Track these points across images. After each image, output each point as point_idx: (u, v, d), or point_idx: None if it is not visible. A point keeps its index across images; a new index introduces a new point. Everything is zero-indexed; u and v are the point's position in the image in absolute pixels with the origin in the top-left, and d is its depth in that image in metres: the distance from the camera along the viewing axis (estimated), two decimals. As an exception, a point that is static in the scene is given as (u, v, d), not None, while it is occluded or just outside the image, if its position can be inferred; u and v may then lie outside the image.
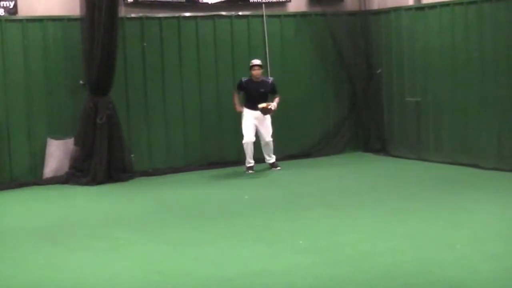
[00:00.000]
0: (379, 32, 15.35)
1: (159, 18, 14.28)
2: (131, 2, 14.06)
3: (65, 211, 11.44)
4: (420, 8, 14.43)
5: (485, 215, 9.90)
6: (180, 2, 14.42)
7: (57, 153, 13.51)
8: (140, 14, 14.17)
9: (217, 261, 8.27)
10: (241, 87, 13.81)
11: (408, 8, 14.68)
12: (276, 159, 14.24)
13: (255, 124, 13.75)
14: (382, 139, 15.42)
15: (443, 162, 13.68)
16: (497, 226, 9.27)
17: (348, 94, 15.75)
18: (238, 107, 13.85)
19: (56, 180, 13.35)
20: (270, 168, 14.06)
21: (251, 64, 13.75)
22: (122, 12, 13.73)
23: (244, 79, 13.76)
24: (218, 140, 14.71)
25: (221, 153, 14.69)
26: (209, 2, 14.60)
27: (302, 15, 15.40)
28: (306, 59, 15.40)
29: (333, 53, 15.56)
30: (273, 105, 13.59)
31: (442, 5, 13.91)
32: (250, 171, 13.79)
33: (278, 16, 15.20)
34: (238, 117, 14.27)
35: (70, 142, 13.54)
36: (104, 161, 13.24)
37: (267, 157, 14.03)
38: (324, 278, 7.52)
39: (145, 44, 14.16)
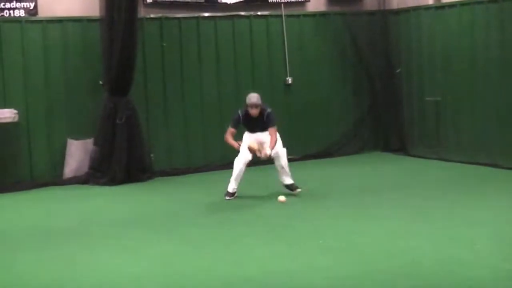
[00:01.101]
0: (399, 32, 15.31)
1: (178, 18, 14.31)
2: (151, 3, 14.11)
3: (85, 211, 11.47)
4: (440, 7, 14.37)
5: (505, 214, 9.84)
6: (199, 2, 14.45)
7: (77, 153, 13.57)
8: (160, 15, 14.21)
9: (237, 261, 8.27)
10: (237, 123, 11.68)
11: (428, 8, 14.63)
12: (296, 159, 14.17)
13: (256, 139, 11.66)
14: (401, 138, 15.37)
15: (463, 161, 13.63)
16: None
17: (367, 94, 15.71)
18: (236, 144, 11.69)
19: (76, 180, 13.41)
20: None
21: (248, 102, 11.53)
22: (142, 12, 13.77)
23: (241, 113, 11.62)
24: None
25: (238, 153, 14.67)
26: (228, 2, 14.62)
27: (321, 14, 15.39)
28: (325, 59, 15.38)
29: (352, 52, 15.54)
30: (266, 151, 11.27)
31: (462, 4, 13.85)
32: (228, 198, 11.60)
33: (297, 16, 15.19)
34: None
35: (89, 143, 13.59)
36: (123, 161, 13.28)
37: (283, 178, 11.80)
38: (342, 278, 7.51)
39: (164, 44, 14.20)
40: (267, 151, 11.20)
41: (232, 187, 11.61)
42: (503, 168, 12.86)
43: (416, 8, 14.86)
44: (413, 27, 14.92)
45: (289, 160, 14.67)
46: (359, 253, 8.34)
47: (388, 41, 15.49)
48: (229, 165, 14.25)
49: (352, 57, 15.56)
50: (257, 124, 11.60)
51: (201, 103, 14.51)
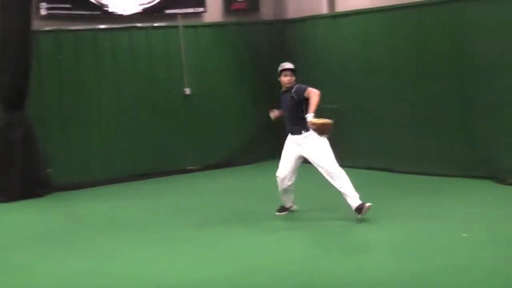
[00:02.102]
0: (295, 40, 15.50)
1: (74, 31, 14.13)
2: (45, 15, 13.88)
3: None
4: (334, 16, 14.63)
5: (401, 216, 10.07)
6: (95, 14, 14.29)
7: (-28, 170, 13.23)
8: (54, 27, 14.00)
9: (132, 276, 8.22)
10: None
11: (323, 17, 14.88)
12: (196, 170, 14.23)
13: (296, 152, 10.28)
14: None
15: (360, 167, 13.84)
16: (408, 225, 9.45)
17: (267, 103, 15.79)
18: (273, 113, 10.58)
19: (-28, 198, 13.08)
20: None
21: (280, 68, 10.37)
22: (36, 25, 13.53)
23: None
24: (137, 152, 14.61)
25: (140, 165, 14.59)
26: (124, 14, 14.51)
27: (219, 25, 15.46)
28: (224, 69, 15.44)
29: (250, 62, 15.64)
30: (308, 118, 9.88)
31: (355, 13, 14.13)
32: (278, 213, 10.56)
33: (194, 26, 15.21)
34: (158, 128, 14.31)
35: (-16, 159, 13.27)
36: (19, 177, 13.00)
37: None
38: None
39: (60, 57, 13.99)
40: (308, 117, 9.78)
41: (283, 202, 10.50)
42: (397, 172, 13.14)
43: (312, 17, 15.08)
44: (309, 36, 15.14)
45: (189, 171, 14.80)
46: (259, 262, 8.40)
47: (285, 50, 15.64)
48: (129, 178, 14.27)
49: (250, 67, 15.66)
50: (286, 103, 10.17)
51: (99, 116, 14.34)
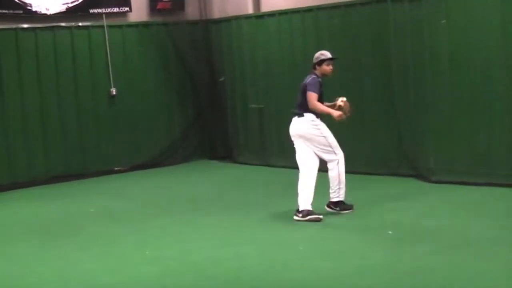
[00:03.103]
0: (221, 41, 15.54)
1: (-5, 30, 13.89)
2: (-35, 14, 13.60)
3: None
4: (260, 16, 14.72)
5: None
6: (17, 13, 14.04)
7: None
8: (-25, 26, 13.74)
9: (62, 277, 8.10)
10: (320, 86, 9.98)
11: (248, 16, 14.94)
12: (123, 170, 14.20)
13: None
14: (227, 146, 15.60)
15: (287, 166, 13.92)
16: (339, 226, 9.59)
17: (192, 103, 15.83)
18: (337, 112, 9.93)
19: None
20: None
21: (325, 57, 10.09)
22: (-45, 24, 13.29)
23: (316, 77, 10.07)
24: (62, 153, 14.42)
25: (66, 166, 14.40)
26: (48, 13, 14.30)
27: (144, 25, 15.38)
28: (149, 69, 15.37)
29: (176, 62, 15.61)
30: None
31: (280, 13, 14.24)
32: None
33: (120, 26, 15.09)
34: (82, 129, 14.20)
35: None
36: None
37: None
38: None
39: (-19, 56, 13.74)
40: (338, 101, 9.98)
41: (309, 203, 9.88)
42: (323, 171, 13.25)
43: (237, 18, 15.14)
44: (235, 36, 15.20)
45: (116, 171, 14.71)
46: (187, 261, 8.38)
47: (211, 50, 15.70)
48: (53, 180, 14.07)
49: (176, 67, 15.62)
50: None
51: (22, 117, 14.10)
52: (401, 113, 12.45)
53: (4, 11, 13.92)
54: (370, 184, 12.12)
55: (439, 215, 9.80)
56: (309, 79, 10.04)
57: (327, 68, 10.05)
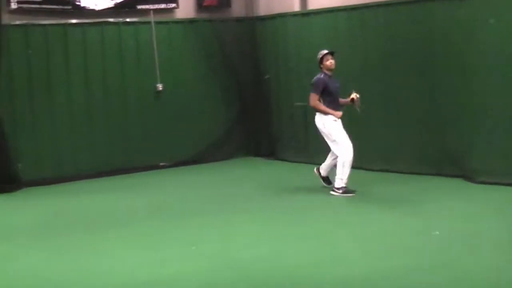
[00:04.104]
0: (266, 38, 15.56)
1: (44, 25, 14.04)
2: (15, 9, 13.77)
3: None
4: (306, 14, 14.71)
5: (368, 214, 10.18)
6: (66, 9, 14.21)
7: None
8: (25, 21, 13.90)
9: (106, 270, 8.21)
10: (324, 87, 11.31)
11: (294, 14, 14.94)
12: (167, 166, 14.26)
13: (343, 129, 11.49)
14: (271, 143, 15.62)
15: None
16: (380, 224, 9.56)
17: (237, 100, 15.88)
18: (337, 113, 11.37)
19: None
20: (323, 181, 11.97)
21: (322, 55, 11.51)
22: (6, 19, 13.44)
23: (321, 76, 11.43)
24: (107, 148, 14.57)
25: (111, 161, 14.55)
26: (96, 9, 14.46)
27: (190, 21, 15.45)
28: (195, 65, 15.44)
29: (221, 59, 15.66)
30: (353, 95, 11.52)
31: (326, 11, 14.22)
32: (353, 193, 11.31)
33: (166, 22, 15.19)
34: (127, 124, 14.32)
35: (-47, 153, 13.17)
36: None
37: (324, 169, 11.89)
38: (214, 283, 7.58)
39: (30, 51, 13.90)
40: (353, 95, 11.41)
41: (347, 183, 11.27)
42: (371, 170, 13.24)
43: (283, 15, 15.14)
44: (280, 34, 15.20)
45: (160, 167, 14.86)
46: (227, 258, 8.42)
47: (256, 48, 15.72)
48: (99, 174, 14.24)
49: (221, 64, 15.68)
50: (336, 85, 11.44)
51: (69, 111, 14.27)
52: (446, 113, 12.35)
53: (53, 6, 14.09)
54: (414, 183, 12.08)
55: (483, 216, 9.72)
56: (314, 79, 11.44)
57: (327, 63, 11.35)
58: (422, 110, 12.78)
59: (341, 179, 11.19)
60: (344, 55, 13.77)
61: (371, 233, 9.17)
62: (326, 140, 11.43)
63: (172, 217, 10.66)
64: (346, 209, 10.77)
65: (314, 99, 11.33)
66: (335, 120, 11.33)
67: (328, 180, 11.83)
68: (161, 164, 14.95)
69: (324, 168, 11.86)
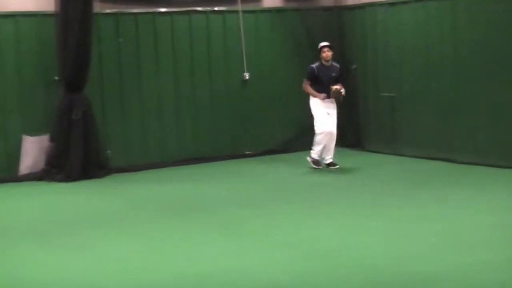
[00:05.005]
0: (354, 28, 15.41)
1: (135, 13, 14.24)
2: (106, -2, 14.02)
3: (41, 208, 11.40)
4: (394, 3, 14.49)
5: (458, 208, 9.98)
6: (156, -3, 14.40)
7: (33, 150, 13.45)
8: (115, 10, 14.13)
9: (189, 258, 8.27)
10: (313, 75, 13.13)
11: (382, 4, 14.74)
12: (253, 155, 14.30)
13: (327, 113, 13.06)
14: (357, 134, 15.49)
15: (418, 156, 13.76)
16: (471, 219, 9.36)
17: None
18: (320, 95, 13.07)
19: (32, 177, 13.29)
20: (327, 167, 13.19)
21: (320, 46, 13.22)
22: (97, 7, 13.68)
23: (314, 65, 13.20)
24: (194, 136, 14.71)
25: (197, 148, 14.69)
26: (184, -2, 14.60)
27: (278, 10, 15.43)
28: (281, 54, 15.43)
29: (308, 48, 15.57)
30: (343, 90, 13.01)
31: (416, 0, 13.98)
32: (319, 166, 13.15)
33: (254, 11, 15.21)
34: (214, 112, 14.41)
35: (45, 139, 13.49)
36: (79, 157, 13.19)
37: (326, 157, 13.19)
38: (297, 273, 7.56)
39: (120, 40, 14.13)
40: (343, 91, 12.94)
41: (318, 155, 13.10)
42: (458, 163, 13.00)
43: (371, 5, 14.97)
44: (368, 23, 15.04)
45: (246, 155, 14.92)
46: (312, 248, 8.40)
47: (343, 37, 15.58)
48: (185, 162, 14.39)
49: (308, 53, 15.58)
50: (330, 73, 13.04)
51: (157, 99, 14.46)
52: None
53: (143, -5, 14.29)
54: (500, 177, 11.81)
55: None
56: (308, 67, 13.19)
57: (323, 54, 13.05)
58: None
59: (314, 151, 13.03)
60: (434, 46, 13.58)
61: (456, 228, 9.00)
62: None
63: (256, 206, 10.68)
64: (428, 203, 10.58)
65: (305, 83, 13.20)
66: (322, 103, 12.97)
67: (333, 164, 13.12)
68: (247, 152, 15.00)
69: (322, 156, 13.13)
